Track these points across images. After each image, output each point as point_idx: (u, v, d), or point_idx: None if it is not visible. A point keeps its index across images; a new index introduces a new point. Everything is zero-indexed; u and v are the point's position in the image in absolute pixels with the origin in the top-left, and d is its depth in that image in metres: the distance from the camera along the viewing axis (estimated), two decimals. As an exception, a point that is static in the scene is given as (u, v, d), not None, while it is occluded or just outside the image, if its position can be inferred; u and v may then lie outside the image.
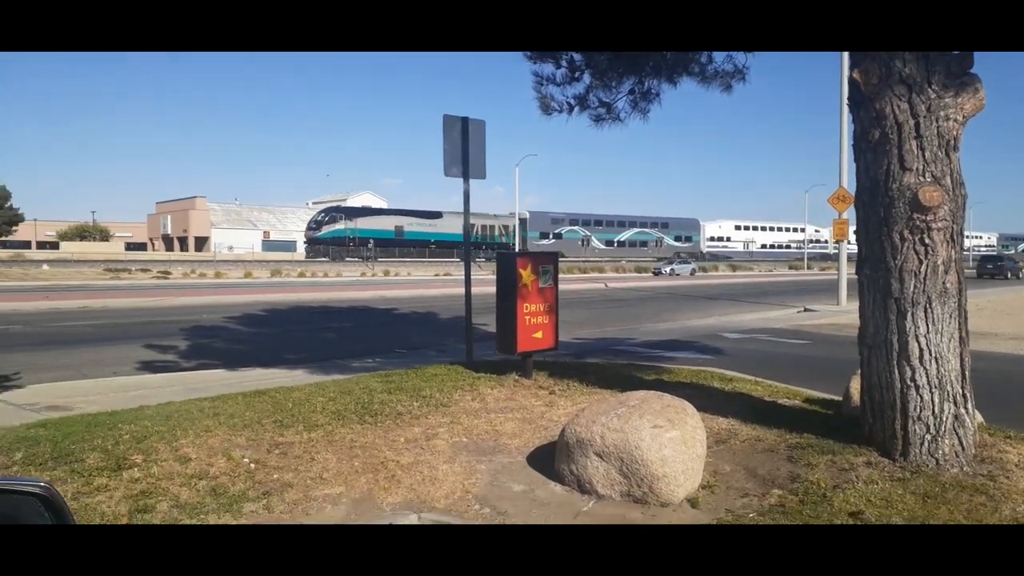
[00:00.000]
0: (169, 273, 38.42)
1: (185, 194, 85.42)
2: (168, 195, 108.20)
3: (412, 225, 64.71)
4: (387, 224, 63.62)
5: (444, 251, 64.24)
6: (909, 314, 4.71)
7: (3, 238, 68.22)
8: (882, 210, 4.81)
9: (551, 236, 71.19)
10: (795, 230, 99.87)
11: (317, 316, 18.84)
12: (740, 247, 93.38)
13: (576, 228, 75.10)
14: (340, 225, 60.47)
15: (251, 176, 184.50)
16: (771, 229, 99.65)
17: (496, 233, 69.84)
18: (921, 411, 4.64)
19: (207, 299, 23.31)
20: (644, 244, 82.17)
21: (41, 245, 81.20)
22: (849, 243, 21.50)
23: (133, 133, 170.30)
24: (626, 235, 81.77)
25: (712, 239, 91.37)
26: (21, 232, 73.70)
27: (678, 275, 51.06)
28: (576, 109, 8.82)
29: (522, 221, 69.40)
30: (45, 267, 38.92)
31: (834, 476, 4.45)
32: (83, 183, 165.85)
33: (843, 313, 18.83)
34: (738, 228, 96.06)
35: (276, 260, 54.28)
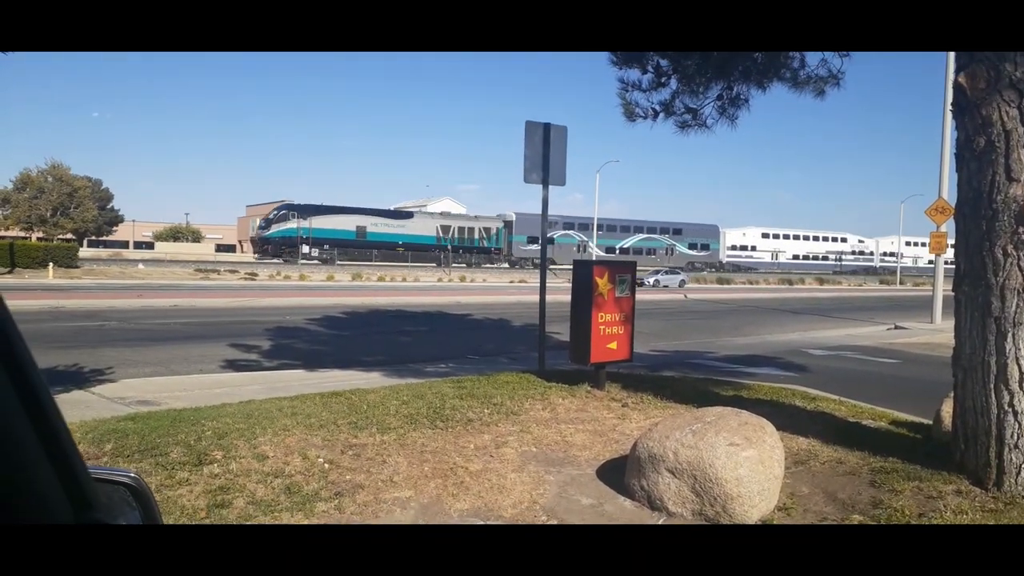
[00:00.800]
0: (256, 275, 39.83)
1: (274, 198, 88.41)
2: (258, 199, 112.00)
3: (377, 226, 58.53)
4: (347, 224, 57.23)
5: (416, 254, 58.96)
6: (1010, 335, 4.43)
7: (104, 237, 72.14)
8: (984, 223, 4.54)
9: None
10: (835, 240, 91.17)
11: (394, 320, 19.17)
12: (768, 257, 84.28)
13: (571, 233, 66.58)
14: (292, 224, 54.43)
15: (340, 181, 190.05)
16: (805, 238, 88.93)
17: (476, 236, 63.20)
18: (1019, 438, 4.36)
19: (290, 301, 24.04)
20: (652, 252, 72.55)
21: (138, 245, 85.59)
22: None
23: (227, 136, 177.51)
24: (631, 241, 72.32)
25: (734, 248, 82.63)
26: (120, 232, 77.68)
27: (665, 287, 46.82)
28: (661, 115, 8.70)
29: (508, 224, 64.39)
30: (140, 266, 40.96)
31: (920, 504, 4.22)
32: (179, 186, 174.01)
33: (937, 332, 17.92)
34: (765, 236, 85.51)
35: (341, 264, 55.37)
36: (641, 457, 4.63)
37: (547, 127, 8.94)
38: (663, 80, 8.49)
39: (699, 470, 4.32)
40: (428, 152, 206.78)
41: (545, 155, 8.90)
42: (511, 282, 44.44)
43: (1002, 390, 4.44)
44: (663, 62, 8.36)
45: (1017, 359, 4.41)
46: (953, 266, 5.09)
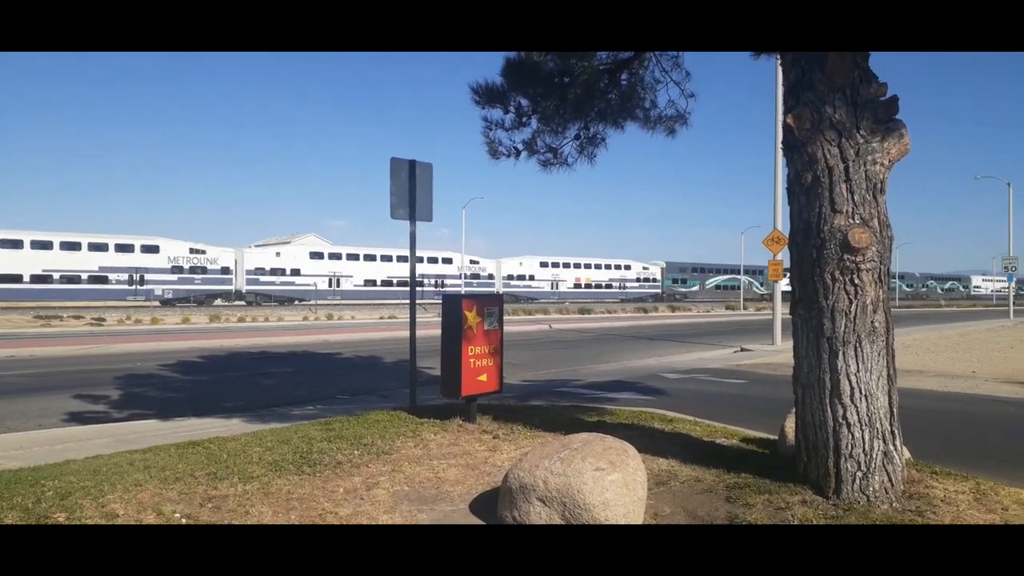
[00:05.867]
0: (103, 319, 37.12)
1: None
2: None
3: None
4: None
5: None
6: (840, 353, 4.84)
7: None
8: (814, 251, 4.95)
9: None
10: (618, 267, 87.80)
11: (256, 362, 18.40)
12: (547, 287, 79.73)
13: None
14: None
15: (199, 216, 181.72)
16: (587, 266, 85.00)
17: None
18: (852, 448, 4.75)
19: (142, 346, 22.55)
20: None
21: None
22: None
23: (50, 171, 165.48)
24: None
25: (511, 277, 76.81)
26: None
27: None
28: (524, 154, 8.95)
29: None
30: (-32, 314, 37.21)
31: (771, 516, 4.51)
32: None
33: (778, 352, 19.32)
34: (544, 265, 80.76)
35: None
36: (512, 488, 4.69)
37: (412, 164, 8.98)
38: (524, 120, 8.76)
39: (568, 496, 4.43)
40: (293, 186, 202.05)
41: (411, 191, 8.92)
42: (380, 318, 43.78)
43: (836, 404, 4.84)
44: (523, 102, 8.63)
45: (848, 375, 4.83)
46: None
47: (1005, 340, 25.36)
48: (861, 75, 4.94)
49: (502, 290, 72.60)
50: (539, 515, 4.52)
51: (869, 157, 4.88)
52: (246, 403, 10.98)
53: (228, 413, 9.65)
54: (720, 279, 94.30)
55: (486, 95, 8.52)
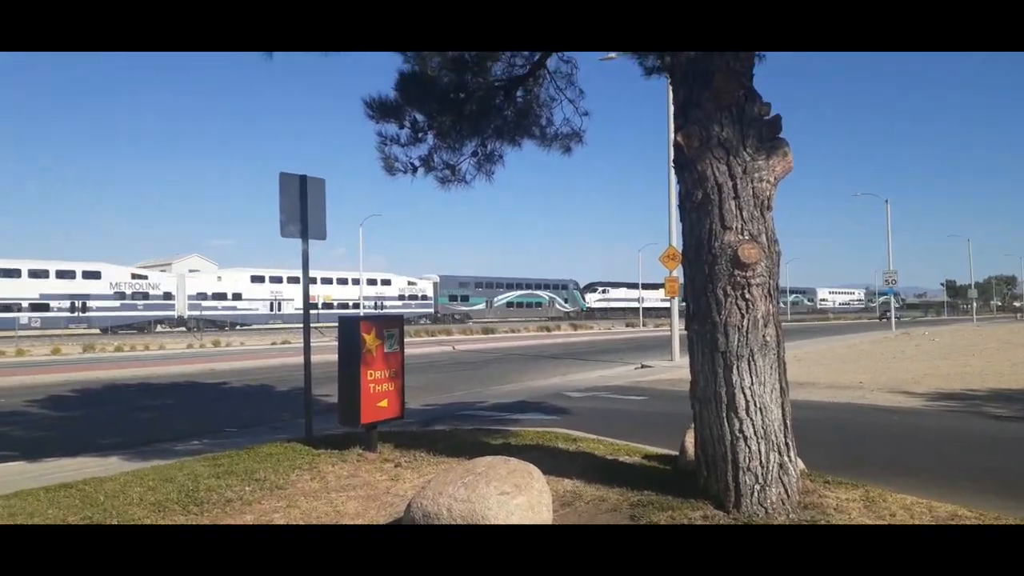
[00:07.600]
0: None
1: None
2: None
3: None
4: None
5: None
6: (735, 367, 4.91)
7: None
8: (706, 267, 5.02)
9: None
10: (374, 283, 68.74)
11: (136, 394, 17.32)
12: (263, 307, 60.63)
13: None
14: None
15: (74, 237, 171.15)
16: (324, 281, 64.67)
17: None
18: (750, 461, 4.82)
19: (3, 381, 20.85)
20: None
21: None
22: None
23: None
24: None
25: (202, 296, 57.19)
26: None
27: None
28: (421, 170, 8.79)
29: None
30: None
31: (676, 532, 4.51)
32: None
33: (677, 368, 19.82)
34: (258, 280, 61.54)
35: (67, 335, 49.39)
36: (415, 517, 4.52)
37: (303, 179, 8.70)
38: (420, 135, 8.62)
39: (473, 523, 4.29)
40: (173, 204, 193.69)
41: (303, 208, 8.64)
42: (272, 344, 42.33)
43: (733, 418, 4.90)
44: (419, 117, 8.50)
45: (743, 389, 4.90)
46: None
47: (888, 351, 27.06)
48: (746, 94, 5.09)
49: (187, 313, 56.13)
50: (443, 545, 4.36)
51: (756, 175, 5.00)
52: (125, 439, 10.27)
53: (104, 451, 8.98)
54: (513, 295, 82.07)
55: (380, 109, 8.34)
